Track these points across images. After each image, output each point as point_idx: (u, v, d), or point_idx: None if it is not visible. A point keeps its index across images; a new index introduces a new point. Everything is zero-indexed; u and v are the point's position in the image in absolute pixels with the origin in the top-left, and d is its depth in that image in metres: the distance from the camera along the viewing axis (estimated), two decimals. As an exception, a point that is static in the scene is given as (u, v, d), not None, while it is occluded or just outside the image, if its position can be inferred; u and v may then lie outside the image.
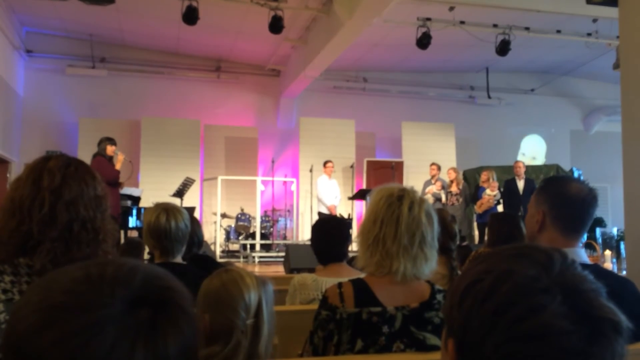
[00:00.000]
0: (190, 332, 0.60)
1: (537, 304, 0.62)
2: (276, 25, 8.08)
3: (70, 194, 1.32)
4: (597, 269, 1.73)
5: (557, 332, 0.61)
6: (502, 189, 9.11)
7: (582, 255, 1.71)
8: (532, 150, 13.69)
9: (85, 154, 8.99)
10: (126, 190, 7.85)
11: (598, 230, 9.71)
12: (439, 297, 1.72)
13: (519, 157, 13.33)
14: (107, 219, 1.40)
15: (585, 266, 1.57)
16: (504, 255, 0.70)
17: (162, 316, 0.59)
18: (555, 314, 0.61)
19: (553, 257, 0.68)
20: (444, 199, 9.35)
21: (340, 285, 1.72)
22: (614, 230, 10.14)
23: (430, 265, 1.71)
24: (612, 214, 12.60)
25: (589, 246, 8.46)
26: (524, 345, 0.61)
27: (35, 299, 0.59)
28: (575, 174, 10.63)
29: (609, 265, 6.38)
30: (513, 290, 0.64)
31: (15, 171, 10.21)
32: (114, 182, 7.01)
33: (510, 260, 0.68)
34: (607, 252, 6.74)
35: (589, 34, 9.70)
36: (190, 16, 7.74)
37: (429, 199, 9.36)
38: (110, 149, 7.17)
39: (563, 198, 1.69)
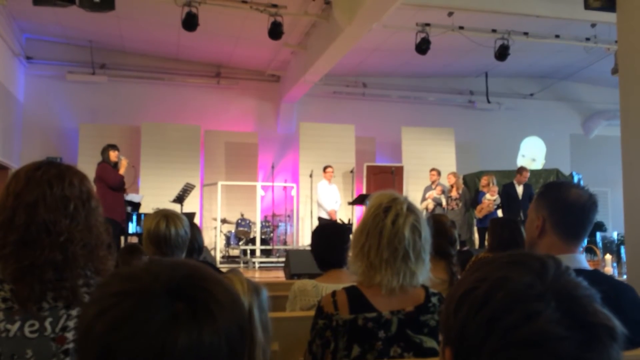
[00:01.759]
0: (227, 325, 0.65)
1: (532, 311, 0.63)
2: (276, 31, 8.11)
3: (31, 197, 1.31)
4: (596, 275, 1.73)
5: (552, 338, 0.61)
6: (500, 193, 9.12)
7: (582, 260, 1.71)
8: (532, 152, 13.68)
9: (85, 160, 9.02)
10: (126, 196, 7.86)
11: (598, 235, 9.70)
12: (434, 300, 1.72)
13: (519, 159, 13.35)
14: (80, 221, 1.35)
15: (584, 272, 1.57)
16: (498, 263, 0.70)
17: (198, 308, 0.64)
18: (549, 320, 0.62)
19: (547, 264, 0.68)
20: (444, 203, 9.37)
21: (334, 293, 1.72)
22: (614, 235, 10.14)
23: (417, 279, 1.68)
24: (612, 218, 12.60)
25: (589, 250, 8.46)
26: (520, 351, 0.62)
27: (102, 306, 0.66)
28: (575, 179, 10.63)
29: (609, 269, 6.37)
30: (507, 297, 0.65)
31: (16, 177, 10.20)
32: (119, 187, 7.03)
33: (504, 268, 0.69)
34: (608, 257, 6.73)
35: (588, 39, 9.74)
36: (190, 22, 7.76)
37: (430, 203, 9.37)
38: (113, 155, 7.20)
39: (563, 204, 1.69)
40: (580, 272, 0.76)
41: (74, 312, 1.28)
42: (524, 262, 0.69)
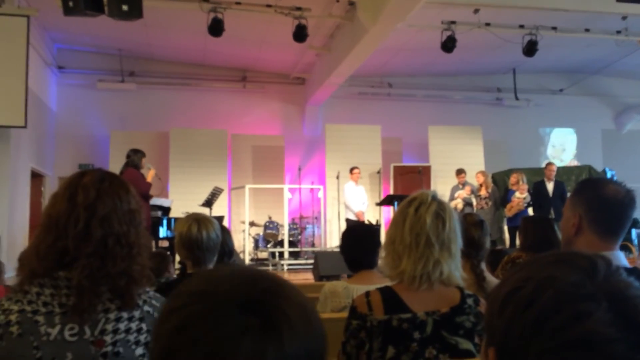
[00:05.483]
0: (293, 351, 0.62)
1: (582, 311, 0.61)
2: (300, 34, 8.13)
3: (104, 210, 1.35)
4: (637, 273, 1.69)
5: (603, 340, 0.59)
6: (531, 191, 8.97)
7: (621, 258, 1.67)
8: (562, 143, 13.40)
9: (116, 166, 9.17)
10: (156, 200, 7.97)
11: (634, 232, 9.47)
12: (470, 301, 1.70)
13: (549, 150, 13.10)
14: (142, 232, 1.43)
15: (626, 270, 1.52)
16: (544, 262, 0.68)
17: (268, 327, 0.61)
18: (600, 321, 0.60)
19: (597, 263, 0.66)
20: (475, 202, 9.25)
21: (367, 294, 1.72)
22: (651, 232, 9.87)
23: (440, 269, 1.67)
24: (648, 214, 12.26)
25: (624, 248, 8.25)
26: (568, 353, 0.60)
27: (178, 303, 0.65)
28: (608, 175, 10.39)
29: (647, 267, 6.20)
30: (555, 297, 0.63)
31: (50, 185, 10.46)
32: (147, 195, 7.12)
33: (551, 267, 0.67)
34: (645, 254, 6.55)
35: (619, 32, 9.50)
36: (216, 28, 7.85)
37: (459, 203, 9.26)
38: (143, 161, 7.32)
39: (600, 200, 1.65)
40: (625, 271, 0.74)
41: (112, 316, 1.31)
42: (571, 261, 0.67)
